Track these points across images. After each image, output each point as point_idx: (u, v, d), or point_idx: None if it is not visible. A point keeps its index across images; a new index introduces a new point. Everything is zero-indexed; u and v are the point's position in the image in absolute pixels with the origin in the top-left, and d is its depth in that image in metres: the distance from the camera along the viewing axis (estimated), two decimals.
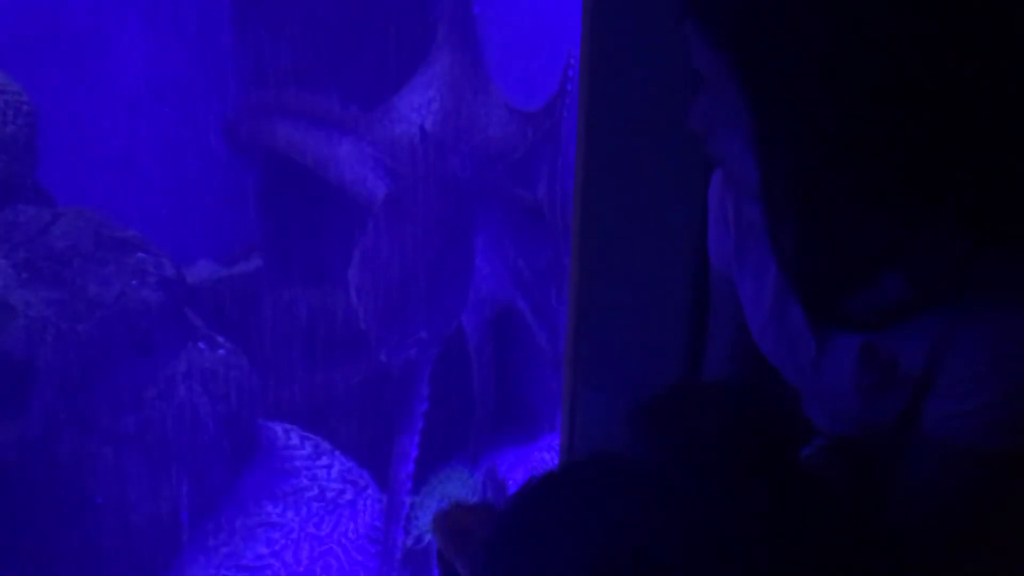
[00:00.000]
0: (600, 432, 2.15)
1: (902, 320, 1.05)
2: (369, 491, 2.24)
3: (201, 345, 1.99)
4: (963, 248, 1.02)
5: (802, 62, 0.92)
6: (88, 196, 2.04)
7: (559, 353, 2.25)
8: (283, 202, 2.32)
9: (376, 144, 2.10)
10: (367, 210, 2.07)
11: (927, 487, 1.12)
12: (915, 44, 0.93)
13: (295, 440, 2.17)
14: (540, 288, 2.44)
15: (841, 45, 0.91)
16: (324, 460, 2.19)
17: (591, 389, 2.11)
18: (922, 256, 1.03)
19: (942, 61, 0.92)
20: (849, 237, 1.02)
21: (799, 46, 0.92)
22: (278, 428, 2.16)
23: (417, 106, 2.16)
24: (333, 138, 2.10)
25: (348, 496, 2.17)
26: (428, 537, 2.33)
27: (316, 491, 2.13)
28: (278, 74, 2.15)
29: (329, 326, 2.27)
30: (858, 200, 1.00)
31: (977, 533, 1.11)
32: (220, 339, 2.03)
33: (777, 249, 1.02)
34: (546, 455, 2.45)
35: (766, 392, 1.37)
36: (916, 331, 1.06)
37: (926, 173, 0.97)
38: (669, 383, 1.67)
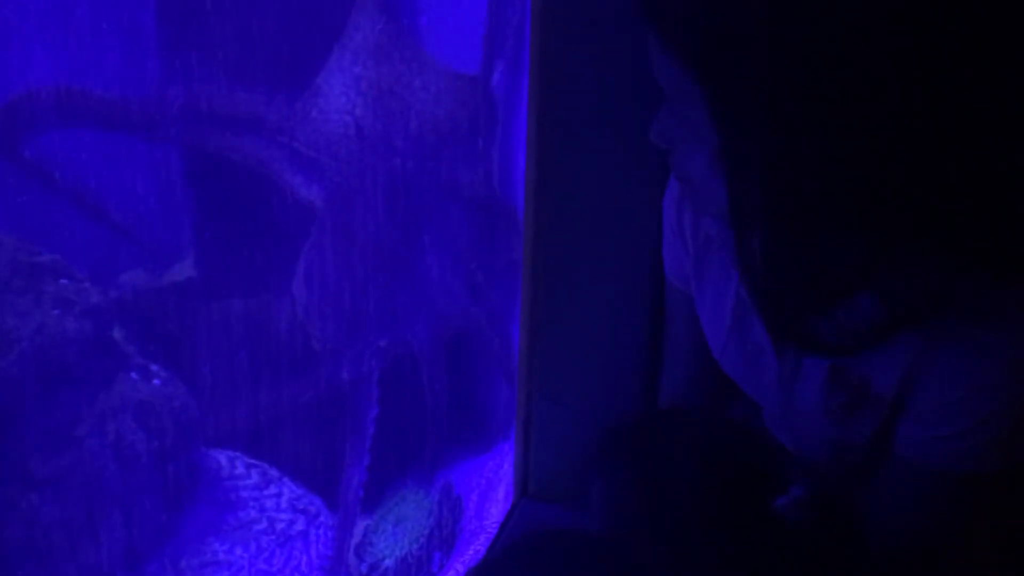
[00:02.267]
0: (555, 445, 2.08)
1: (874, 343, 1.01)
2: (322, 518, 2.11)
3: (133, 376, 1.83)
4: (940, 270, 0.98)
5: (772, 77, 0.87)
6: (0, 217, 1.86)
7: (513, 360, 2.15)
8: (218, 204, 2.14)
9: (304, 140, 1.90)
10: (307, 215, 1.91)
11: (900, 511, 1.09)
12: (896, 59, 0.86)
13: (240, 469, 2.02)
14: (493, 290, 2.33)
15: (813, 61, 0.85)
16: (272, 489, 2.05)
17: (545, 401, 2.04)
18: (897, 278, 0.99)
19: (924, 79, 0.87)
20: (819, 257, 0.97)
21: (769, 60, 0.87)
22: (222, 457, 2.02)
23: (343, 89, 1.92)
24: (258, 137, 1.90)
25: (299, 526, 2.04)
26: (386, 563, 2.22)
27: (265, 523, 1.99)
28: (196, 67, 1.96)
29: (273, 340, 2.13)
30: (830, 219, 0.95)
31: (951, 557, 1.09)
32: (154, 368, 1.87)
33: (743, 268, 0.98)
34: (498, 470, 2.36)
35: (731, 425, 1.31)
36: (889, 354, 1.03)
37: (902, 193, 0.92)
38: (625, 415, 1.59)
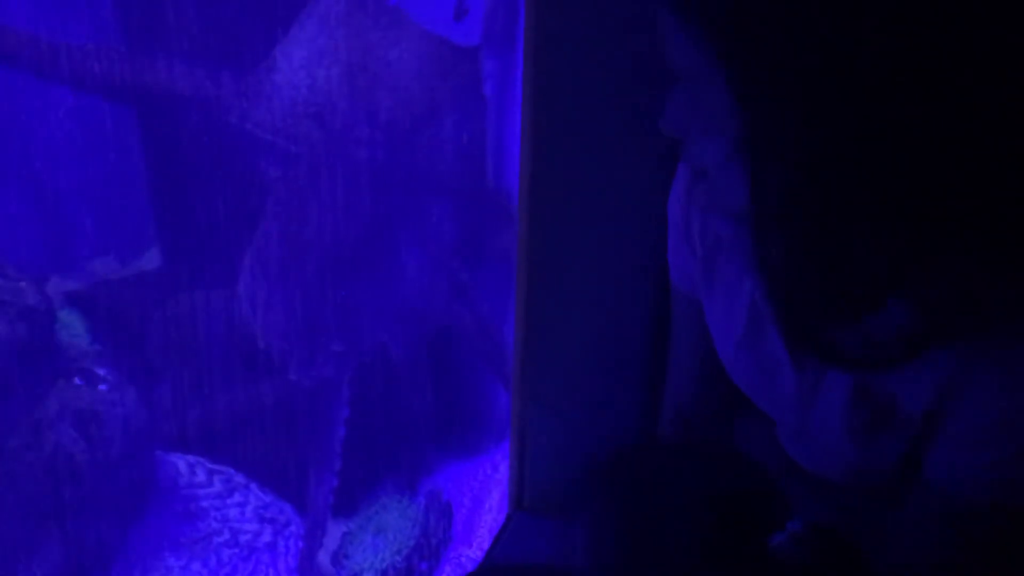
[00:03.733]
0: (551, 457, 1.92)
1: (904, 357, 0.92)
2: (292, 528, 1.98)
3: (77, 381, 1.71)
4: (981, 275, 0.89)
5: (801, 55, 0.80)
6: None
7: (507, 360, 1.99)
8: (182, 189, 2.00)
9: (257, 121, 1.72)
10: (254, 205, 1.74)
11: (926, 544, 1.00)
12: (945, 35, 0.78)
13: (201, 476, 1.90)
14: (483, 288, 2.16)
15: (847, 34, 0.78)
16: (237, 496, 1.92)
17: (541, 410, 1.87)
18: (933, 283, 0.90)
19: (978, 58, 0.79)
20: (847, 259, 0.89)
21: (798, 36, 0.80)
22: (180, 463, 1.90)
23: (304, 62, 1.73)
24: (211, 117, 1.73)
25: (266, 537, 1.91)
26: (367, 575, 2.09)
27: (227, 535, 1.87)
28: (149, 41, 1.79)
29: (238, 336, 1.99)
30: (861, 215, 0.86)
31: None
32: (100, 372, 1.75)
33: (760, 270, 0.91)
34: (493, 474, 2.21)
35: (729, 457, 1.24)
36: (921, 370, 0.94)
37: (944, 186, 0.83)
38: (622, 438, 1.49)
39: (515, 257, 1.80)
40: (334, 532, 2.16)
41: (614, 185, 1.57)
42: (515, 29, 1.93)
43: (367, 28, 1.80)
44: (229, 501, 1.91)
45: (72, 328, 1.85)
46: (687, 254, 1.21)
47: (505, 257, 2.15)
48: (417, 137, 1.85)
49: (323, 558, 2.13)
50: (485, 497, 2.23)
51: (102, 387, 1.74)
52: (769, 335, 1.07)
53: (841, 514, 1.09)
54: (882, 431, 0.98)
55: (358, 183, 1.78)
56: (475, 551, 2.15)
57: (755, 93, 0.81)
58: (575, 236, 1.68)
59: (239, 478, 1.95)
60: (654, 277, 1.53)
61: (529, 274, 1.78)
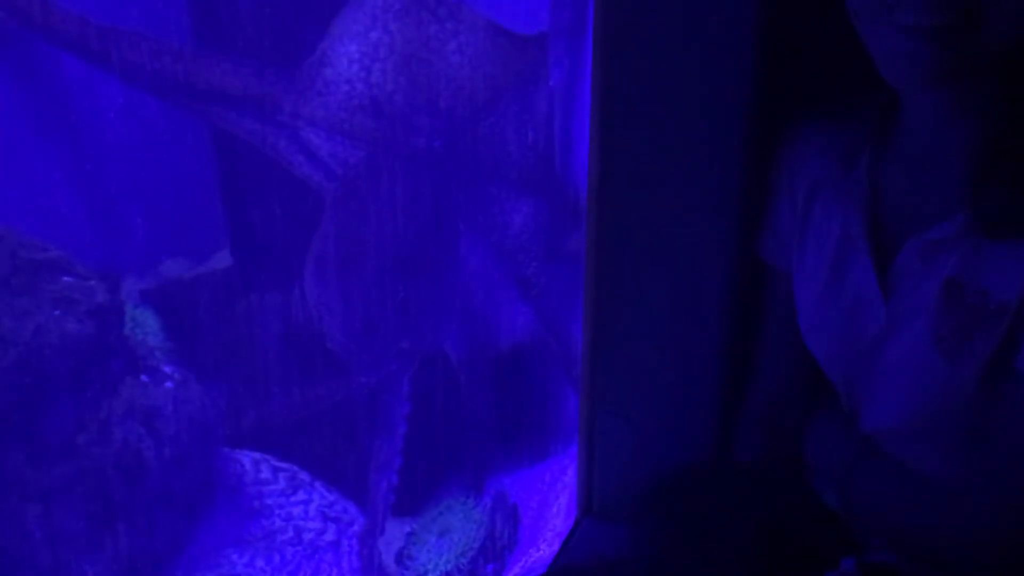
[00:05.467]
0: (621, 463, 1.86)
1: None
2: (355, 527, 1.98)
3: (144, 379, 1.73)
4: None
5: None
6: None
7: (575, 362, 1.94)
8: (251, 189, 2.01)
9: (310, 121, 1.70)
10: (319, 205, 1.73)
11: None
12: None
13: (266, 473, 1.91)
14: (547, 284, 2.12)
15: None
16: (301, 495, 1.93)
17: (610, 415, 1.81)
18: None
19: None
20: None
21: None
22: (246, 460, 1.91)
23: (358, 56, 1.69)
24: (263, 119, 1.72)
25: (330, 536, 1.91)
26: None
27: (291, 533, 1.87)
28: (201, 41, 1.78)
29: (303, 335, 2.00)
30: None
31: None
32: (167, 369, 1.77)
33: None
34: (561, 478, 2.16)
35: (799, 484, 1.24)
36: (1013, 258, 0.97)
37: None
38: (691, 464, 1.49)
39: (583, 254, 1.75)
40: (398, 532, 2.16)
41: (688, 180, 1.51)
42: (585, 15, 1.87)
43: (425, 20, 1.77)
44: (293, 499, 1.91)
45: (144, 326, 1.88)
46: (787, 213, 1.22)
47: (574, 255, 2.10)
48: (479, 129, 1.82)
49: (387, 558, 2.13)
50: (552, 501, 2.19)
51: (168, 384, 1.76)
52: (854, 268, 1.09)
53: (899, 550, 1.07)
54: (974, 331, 0.99)
55: (418, 178, 1.76)
56: (542, 555, 2.11)
57: None
58: (646, 232, 1.62)
59: (303, 476, 1.95)
60: (730, 276, 1.47)
61: (598, 272, 1.72)
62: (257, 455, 1.94)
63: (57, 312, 1.65)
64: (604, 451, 1.85)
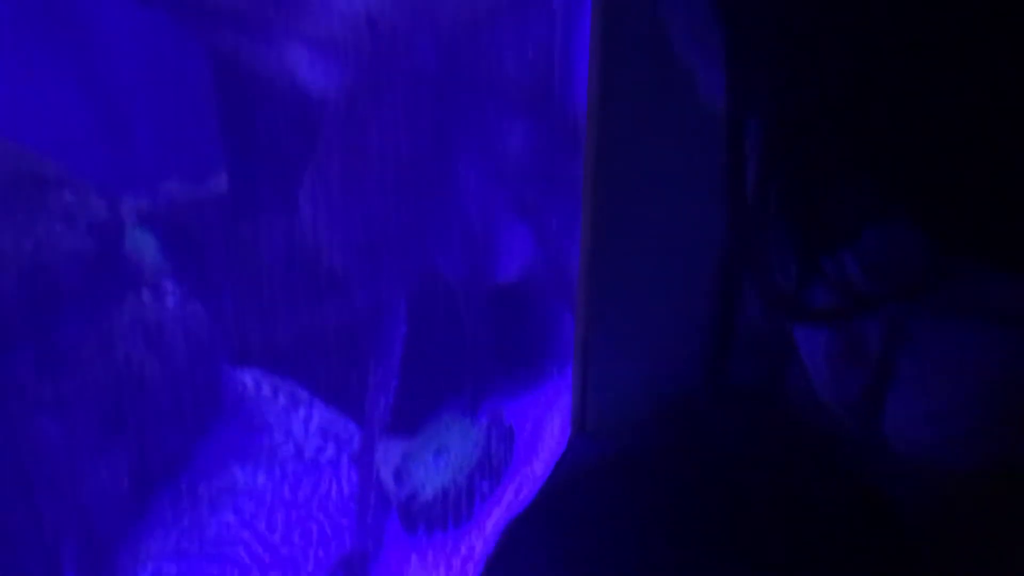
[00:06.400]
0: (615, 378, 1.89)
1: (858, 309, 0.91)
2: (354, 445, 2.01)
3: (145, 295, 1.75)
4: (922, 250, 0.86)
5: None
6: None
7: (572, 285, 1.95)
8: (248, 109, 2.00)
9: (306, 39, 1.68)
10: (316, 125, 1.72)
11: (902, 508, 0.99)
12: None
13: (266, 390, 1.94)
14: (545, 207, 2.12)
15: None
16: (301, 411, 1.95)
17: (605, 330, 1.84)
18: (879, 247, 0.88)
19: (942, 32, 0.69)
20: (819, 201, 0.87)
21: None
22: (247, 377, 1.93)
23: None
24: (259, 37, 1.69)
25: (329, 453, 1.95)
26: (425, 492, 2.12)
27: (292, 448, 1.90)
28: None
29: (302, 255, 2.00)
30: (828, 165, 0.83)
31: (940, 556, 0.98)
32: (168, 285, 1.78)
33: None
34: (556, 401, 2.19)
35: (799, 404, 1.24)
36: (876, 315, 0.95)
37: (891, 157, 0.78)
38: (689, 389, 1.49)
39: (582, 176, 1.75)
40: (396, 451, 2.19)
41: (690, 103, 1.51)
42: None
43: None
44: (293, 416, 1.94)
45: (142, 244, 1.88)
46: None
47: (573, 178, 2.10)
48: (476, 48, 1.81)
49: (385, 475, 2.17)
50: (547, 423, 2.22)
51: (169, 301, 1.77)
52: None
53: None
54: (853, 363, 1.00)
55: (415, 97, 1.75)
56: (536, 473, 2.15)
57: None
58: (645, 155, 1.63)
59: (303, 394, 1.98)
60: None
61: (595, 192, 1.73)
62: (257, 373, 1.96)
63: (58, 227, 1.66)
64: (598, 367, 1.88)
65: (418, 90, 1.72)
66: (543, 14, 1.93)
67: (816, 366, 1.11)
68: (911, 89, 0.77)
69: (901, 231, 0.81)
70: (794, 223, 0.82)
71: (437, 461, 2.13)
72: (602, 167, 1.89)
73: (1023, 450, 0.86)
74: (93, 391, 1.68)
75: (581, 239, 1.97)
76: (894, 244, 0.83)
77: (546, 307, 2.23)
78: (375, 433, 1.99)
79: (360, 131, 1.71)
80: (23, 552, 1.69)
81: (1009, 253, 0.76)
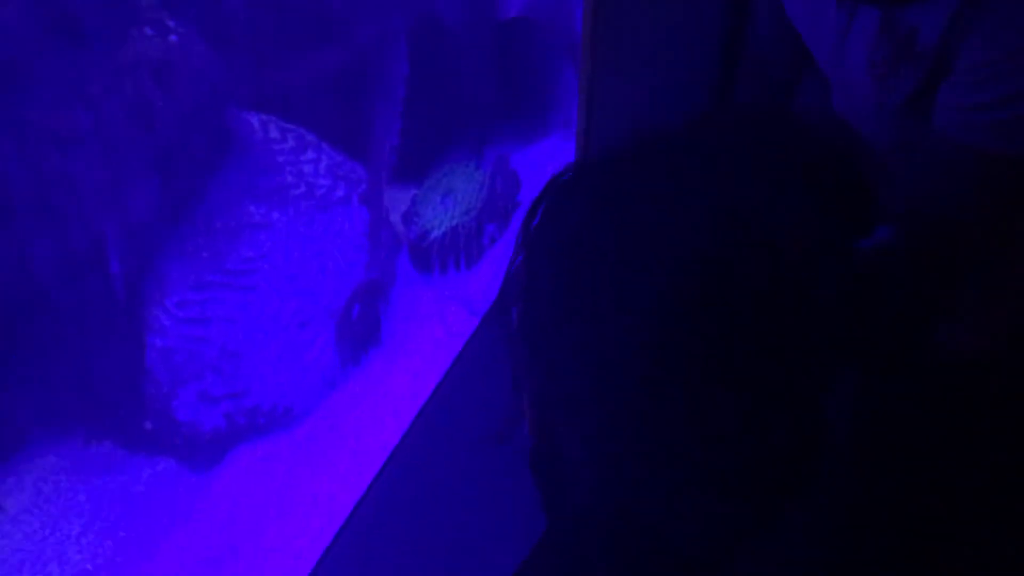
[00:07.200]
0: (621, 119, 1.92)
1: None
2: (364, 187, 2.06)
3: (148, 31, 1.74)
4: None
5: None
6: None
7: (577, 35, 1.94)
8: None
9: None
10: None
11: (928, 178, 1.08)
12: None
13: (274, 133, 1.96)
14: None
15: None
16: (310, 154, 1.99)
17: (610, 72, 1.85)
18: None
19: None
20: None
21: None
22: (254, 120, 1.95)
23: None
24: None
25: (340, 192, 2.00)
26: (434, 233, 2.18)
27: (304, 188, 1.96)
28: None
29: None
30: None
31: (977, 244, 1.06)
32: (171, 23, 1.78)
33: None
34: (561, 152, 2.21)
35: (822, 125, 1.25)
36: (938, 8, 0.99)
37: None
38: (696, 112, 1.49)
39: None
40: (404, 195, 2.25)
41: None
42: None
43: None
44: (303, 157, 1.98)
45: None
46: None
47: None
48: None
49: (394, 217, 2.24)
50: (553, 171, 2.26)
51: (173, 38, 1.77)
52: None
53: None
54: (900, 66, 1.02)
55: None
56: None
57: None
58: None
59: (310, 137, 2.01)
60: None
61: None
62: (264, 116, 1.99)
63: None
64: (603, 109, 1.90)
65: None
66: None
67: (848, 79, 1.16)
68: None
69: None
70: None
71: (445, 202, 2.19)
72: None
73: None
74: (106, 127, 1.71)
75: None
76: None
77: (551, 59, 2.22)
78: (382, 175, 2.03)
79: None
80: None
81: None
